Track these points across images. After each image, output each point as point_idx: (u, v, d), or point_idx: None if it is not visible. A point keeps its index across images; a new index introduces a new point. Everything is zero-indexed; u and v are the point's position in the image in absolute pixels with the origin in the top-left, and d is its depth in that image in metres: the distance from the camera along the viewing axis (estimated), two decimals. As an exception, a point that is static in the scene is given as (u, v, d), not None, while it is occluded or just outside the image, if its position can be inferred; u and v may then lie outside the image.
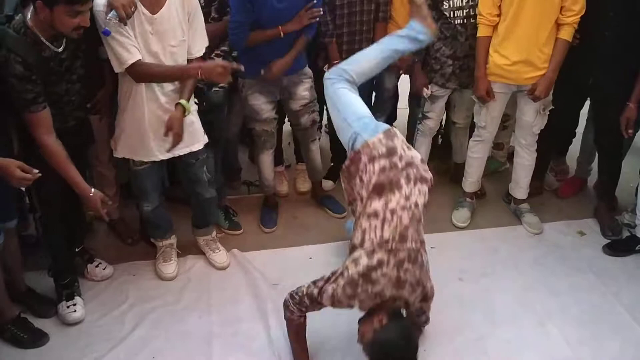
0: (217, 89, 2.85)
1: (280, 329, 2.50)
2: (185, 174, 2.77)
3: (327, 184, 3.53)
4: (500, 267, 2.95)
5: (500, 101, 3.02)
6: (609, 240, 3.10)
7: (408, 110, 3.72)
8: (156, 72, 2.39)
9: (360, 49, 3.13)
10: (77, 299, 2.63)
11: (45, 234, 2.59)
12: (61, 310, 2.60)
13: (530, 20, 2.74)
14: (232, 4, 2.69)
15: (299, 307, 2.15)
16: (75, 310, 2.59)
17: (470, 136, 3.25)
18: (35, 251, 2.78)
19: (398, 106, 3.64)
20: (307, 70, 3.02)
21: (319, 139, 3.36)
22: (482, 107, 3.05)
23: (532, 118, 3.03)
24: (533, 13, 2.71)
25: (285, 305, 2.21)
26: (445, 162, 3.67)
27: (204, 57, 2.73)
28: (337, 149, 3.45)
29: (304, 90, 2.99)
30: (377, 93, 3.48)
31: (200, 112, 2.94)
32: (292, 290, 2.20)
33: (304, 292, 2.13)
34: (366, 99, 3.41)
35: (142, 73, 2.36)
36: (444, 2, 2.90)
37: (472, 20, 2.93)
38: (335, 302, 2.06)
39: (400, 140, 2.18)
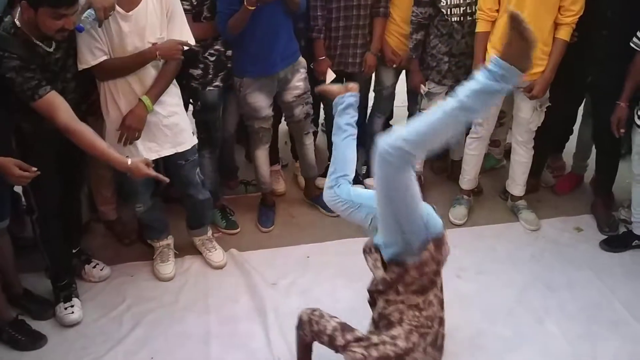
0: (211, 88, 2.83)
1: (279, 328, 2.50)
2: (176, 176, 2.72)
3: (323, 182, 3.50)
4: (498, 264, 2.95)
5: (497, 98, 3.01)
6: (606, 236, 3.11)
7: (405, 108, 3.72)
8: (117, 65, 2.38)
9: (355, 44, 3.12)
10: (75, 300, 2.63)
11: (42, 235, 2.58)
12: (59, 312, 2.60)
13: (529, 18, 2.71)
14: None
15: (312, 335, 2.06)
16: (72, 312, 2.58)
17: (467, 133, 3.26)
18: (32, 253, 2.75)
19: (395, 104, 3.64)
20: (302, 60, 2.99)
21: (315, 133, 3.33)
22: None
23: (528, 115, 3.03)
24: (532, 10, 2.70)
25: (301, 324, 2.09)
26: (442, 159, 3.67)
27: (197, 56, 2.72)
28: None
29: (298, 81, 2.98)
30: (376, 91, 3.47)
31: (195, 112, 2.94)
32: (313, 313, 2.05)
33: (326, 330, 2.00)
34: (364, 98, 3.42)
35: (104, 70, 2.36)
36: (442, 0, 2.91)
37: (468, 18, 2.93)
38: None
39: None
